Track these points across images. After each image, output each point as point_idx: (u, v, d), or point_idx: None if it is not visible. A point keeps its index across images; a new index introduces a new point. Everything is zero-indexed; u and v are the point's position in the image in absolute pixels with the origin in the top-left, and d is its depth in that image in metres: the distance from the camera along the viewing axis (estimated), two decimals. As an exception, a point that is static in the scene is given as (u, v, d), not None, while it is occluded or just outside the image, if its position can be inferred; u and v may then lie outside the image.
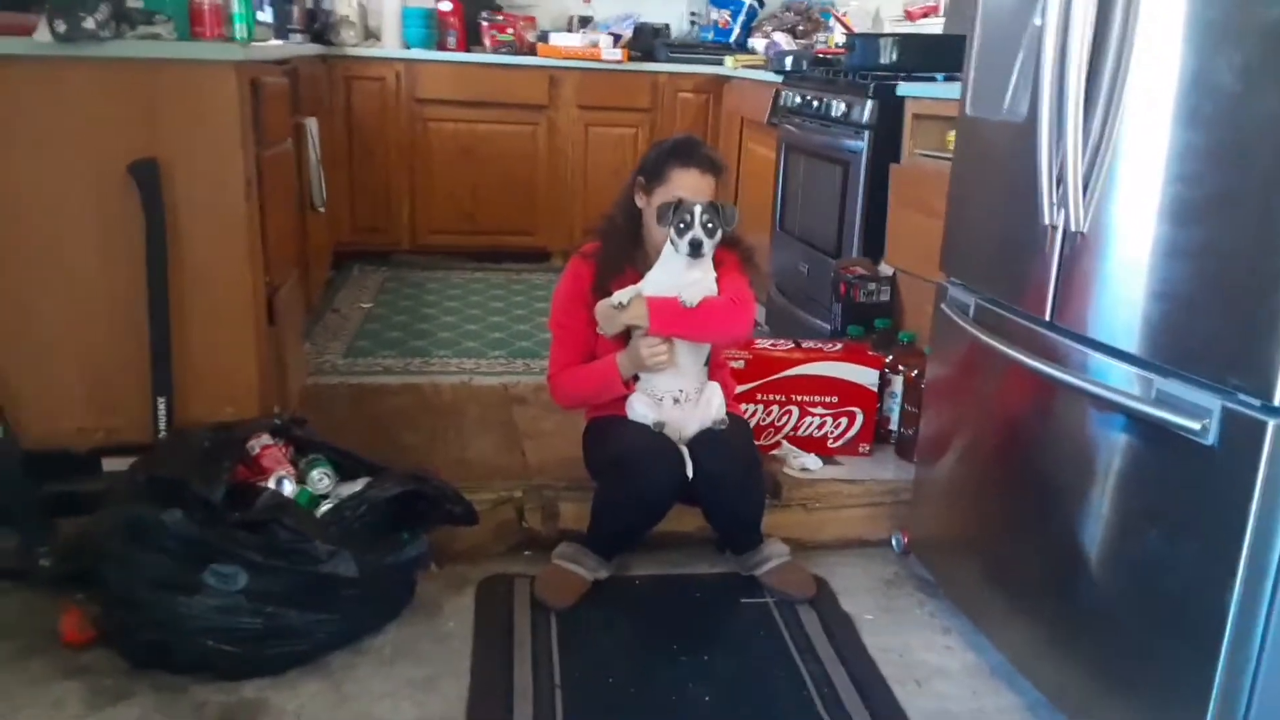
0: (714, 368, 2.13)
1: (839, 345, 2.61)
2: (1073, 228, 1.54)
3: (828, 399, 2.51)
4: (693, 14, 5.31)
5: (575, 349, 2.12)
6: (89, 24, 1.89)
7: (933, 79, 2.81)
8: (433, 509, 1.93)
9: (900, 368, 2.54)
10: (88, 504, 1.83)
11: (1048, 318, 1.63)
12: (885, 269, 2.88)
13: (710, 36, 5.11)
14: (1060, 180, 1.54)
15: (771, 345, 2.58)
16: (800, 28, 4.85)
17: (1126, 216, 1.46)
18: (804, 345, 2.60)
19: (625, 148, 4.61)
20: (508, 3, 4.95)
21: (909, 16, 4.30)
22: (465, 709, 1.65)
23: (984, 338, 1.76)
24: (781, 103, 3.64)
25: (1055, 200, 1.56)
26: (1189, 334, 1.36)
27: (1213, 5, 1.32)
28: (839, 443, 2.54)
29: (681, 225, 1.94)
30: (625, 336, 2.04)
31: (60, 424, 2.07)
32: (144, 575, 1.66)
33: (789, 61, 3.92)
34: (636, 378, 2.05)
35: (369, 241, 4.58)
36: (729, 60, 4.55)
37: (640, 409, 2.02)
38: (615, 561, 2.08)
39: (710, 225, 1.94)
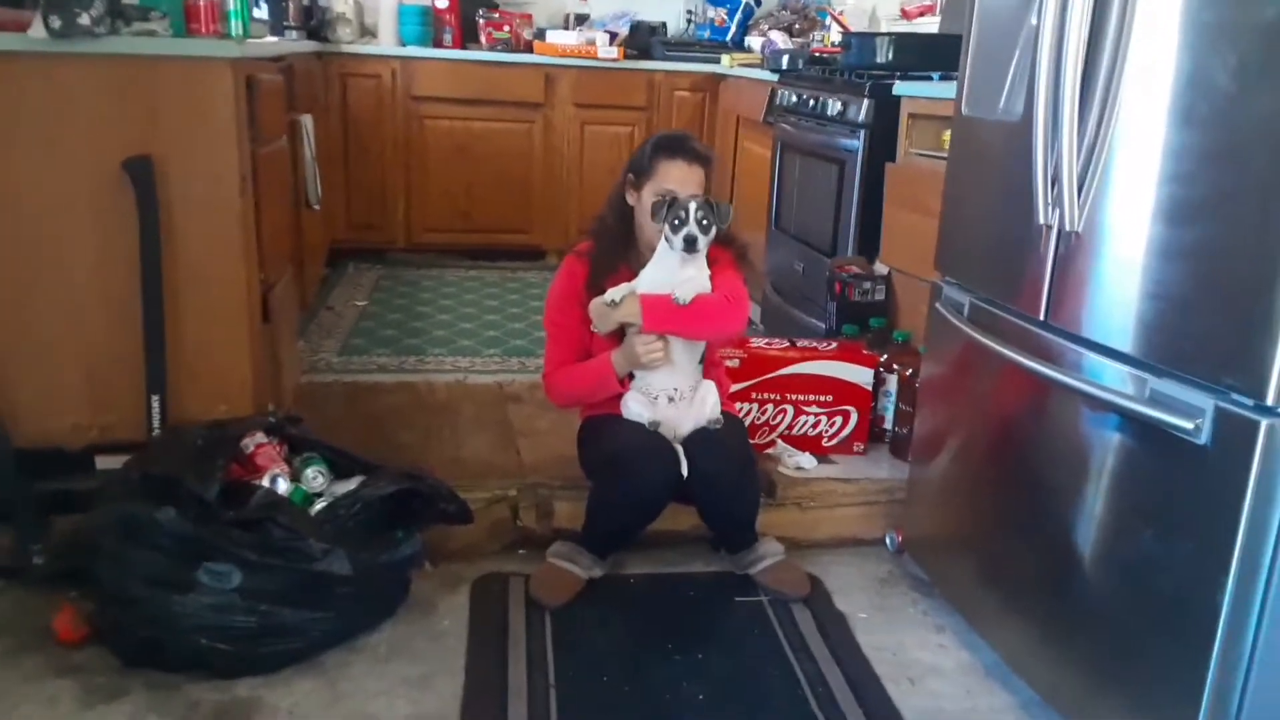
0: (709, 366, 2.13)
1: (834, 344, 2.61)
2: (1067, 227, 1.54)
3: (822, 398, 2.51)
4: (689, 12, 5.31)
5: (570, 347, 2.12)
6: (84, 20, 1.88)
7: (929, 78, 2.81)
8: (427, 507, 1.93)
9: (895, 367, 2.54)
10: (81, 502, 1.83)
11: (1042, 317, 1.64)
12: (880, 268, 2.89)
13: (707, 35, 5.12)
14: (1055, 180, 1.54)
15: (766, 344, 2.58)
16: (797, 26, 4.85)
17: (1121, 216, 1.47)
18: (799, 344, 2.60)
19: (621, 146, 4.61)
20: (504, 0, 4.94)
21: (905, 16, 4.31)
22: (460, 707, 1.65)
23: (978, 337, 1.77)
24: (777, 101, 3.65)
25: (1050, 200, 1.57)
26: (1183, 334, 1.36)
27: (1208, 6, 1.32)
28: (833, 442, 2.55)
29: (676, 221, 1.94)
30: (620, 334, 2.04)
31: (54, 421, 2.06)
32: (138, 573, 1.65)
33: (785, 60, 3.92)
34: (631, 376, 2.05)
35: (364, 239, 4.57)
36: (725, 59, 4.55)
37: (635, 407, 2.02)
38: (610, 560, 2.08)
39: (705, 222, 1.94)
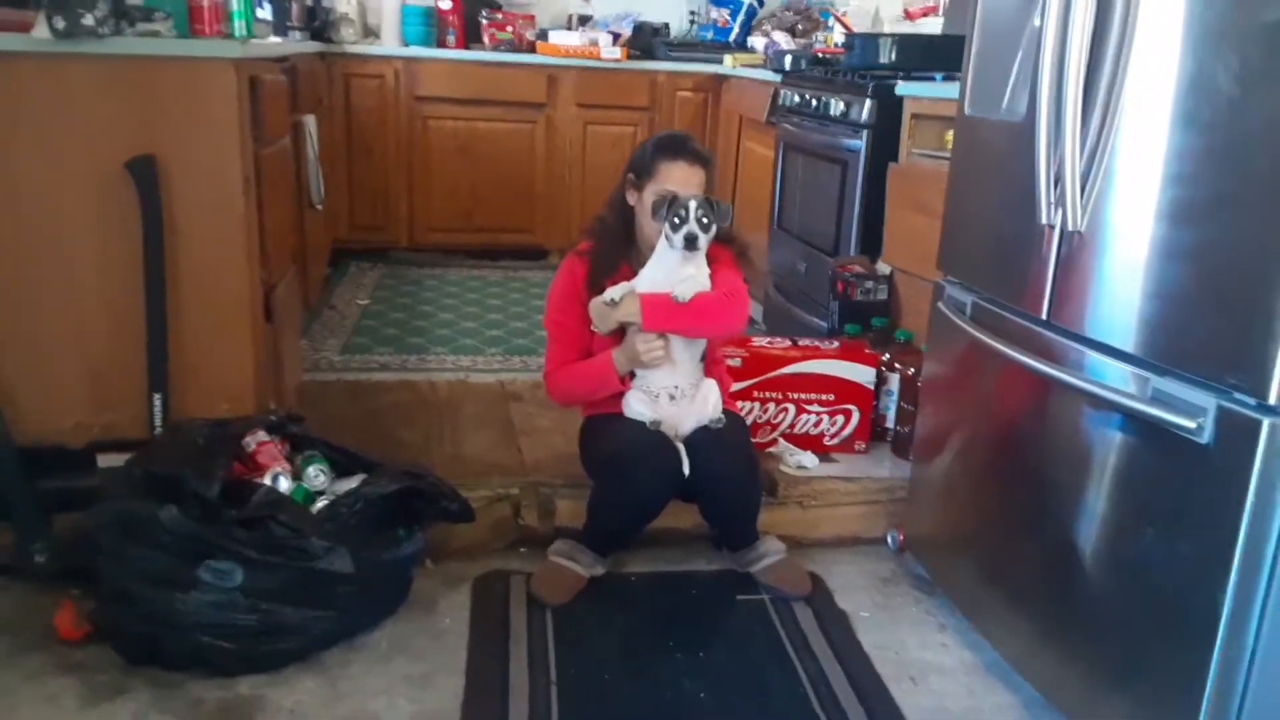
0: (710, 364, 2.13)
1: (836, 343, 2.61)
2: (1070, 227, 1.54)
3: (824, 397, 2.51)
4: (692, 13, 5.31)
5: (571, 346, 2.12)
6: (88, 21, 1.88)
7: (931, 79, 2.81)
8: (429, 506, 1.93)
9: (897, 366, 2.54)
10: (83, 500, 1.82)
11: (1044, 317, 1.64)
12: (883, 267, 2.89)
13: (709, 35, 5.11)
14: (1058, 180, 1.54)
15: (768, 343, 2.59)
16: (799, 27, 4.85)
17: (1124, 216, 1.47)
18: (801, 343, 2.60)
19: (624, 146, 4.59)
20: (507, 1, 4.95)
21: (908, 16, 4.30)
22: (461, 705, 1.66)
23: (981, 336, 1.77)
24: (780, 102, 3.65)
25: (1053, 200, 1.57)
26: (1185, 333, 1.36)
27: (1211, 8, 1.32)
28: (835, 440, 2.55)
29: (676, 220, 1.94)
30: (621, 333, 2.04)
31: (56, 419, 2.06)
32: (139, 571, 1.66)
33: (788, 61, 3.92)
34: (633, 374, 2.05)
35: (367, 239, 4.58)
36: (728, 59, 4.55)
37: (637, 406, 2.02)
38: (611, 558, 2.08)
39: (705, 220, 1.94)
